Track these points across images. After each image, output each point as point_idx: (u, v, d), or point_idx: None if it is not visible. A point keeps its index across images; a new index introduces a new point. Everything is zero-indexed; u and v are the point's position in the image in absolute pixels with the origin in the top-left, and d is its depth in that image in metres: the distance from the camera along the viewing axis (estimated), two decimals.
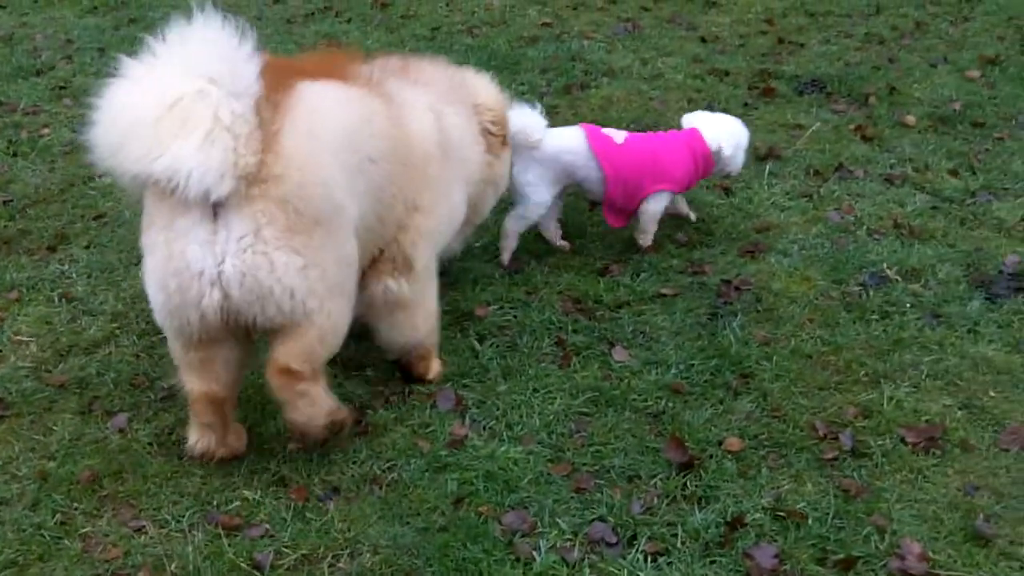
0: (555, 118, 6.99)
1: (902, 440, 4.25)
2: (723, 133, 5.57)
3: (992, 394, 4.53)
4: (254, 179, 3.70)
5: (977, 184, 6.17)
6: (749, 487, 4.03)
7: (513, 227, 5.54)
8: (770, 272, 5.38)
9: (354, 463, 4.17)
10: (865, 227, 5.75)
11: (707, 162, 5.56)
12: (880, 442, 4.25)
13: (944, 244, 5.59)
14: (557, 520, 3.87)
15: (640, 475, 4.10)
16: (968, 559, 3.71)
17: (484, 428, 4.36)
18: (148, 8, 9.36)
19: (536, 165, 5.42)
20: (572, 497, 3.98)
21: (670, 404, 4.48)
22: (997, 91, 7.40)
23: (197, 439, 4.15)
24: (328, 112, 4.05)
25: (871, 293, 5.19)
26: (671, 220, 5.83)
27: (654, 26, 8.83)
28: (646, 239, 5.62)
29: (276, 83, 3.88)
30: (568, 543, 3.78)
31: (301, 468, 4.14)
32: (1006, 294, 5.15)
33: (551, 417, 4.41)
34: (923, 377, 4.62)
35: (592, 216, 5.88)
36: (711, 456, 4.18)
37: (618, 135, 5.55)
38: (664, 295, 5.22)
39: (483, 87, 5.13)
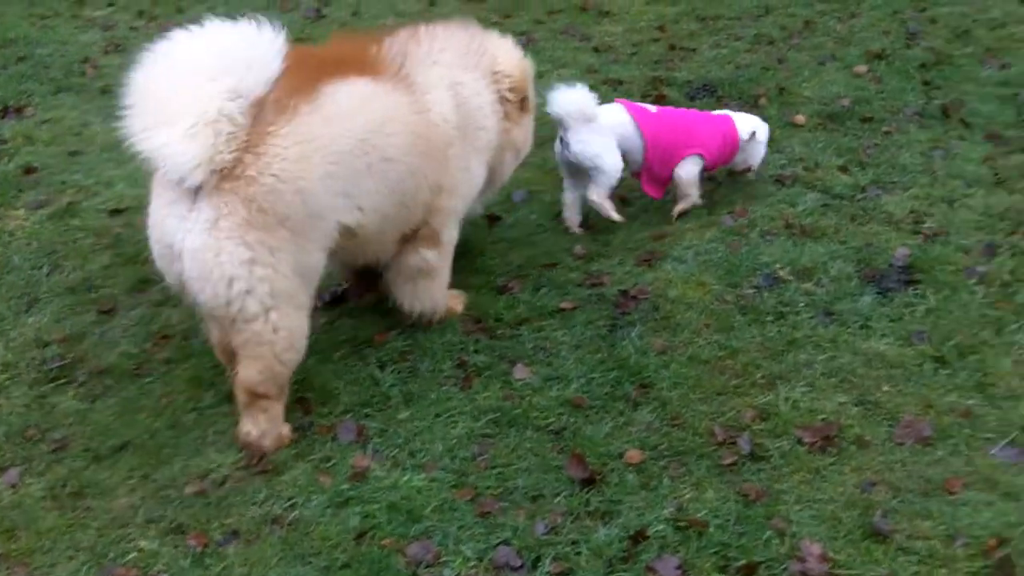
0: None
1: (799, 441, 4.29)
2: (756, 122, 6.12)
3: (885, 388, 4.59)
4: (228, 174, 4.02)
5: (867, 179, 6.26)
6: (651, 499, 4.04)
7: (599, 197, 5.82)
8: (666, 279, 5.41)
9: (254, 504, 4.12)
10: (758, 229, 5.80)
11: (732, 147, 6.05)
12: (778, 444, 4.29)
13: (835, 241, 5.65)
14: (461, 547, 3.85)
15: (544, 494, 4.10)
16: (867, 556, 3.76)
17: (387, 458, 4.33)
18: (36, 45, 9.20)
19: (597, 137, 5.78)
20: (476, 522, 3.97)
21: (571, 420, 4.48)
22: (884, 85, 7.51)
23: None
24: (341, 119, 4.33)
25: (765, 295, 5.24)
26: (568, 235, 5.87)
27: (548, 38, 8.85)
28: (687, 202, 6.04)
29: (298, 86, 4.23)
30: (473, 570, 3.77)
31: (199, 513, 4.09)
32: (897, 287, 5.22)
33: (454, 441, 4.39)
34: (818, 376, 4.68)
35: (491, 233, 5.88)
36: (613, 470, 4.19)
37: (651, 107, 6.05)
38: (563, 309, 5.23)
39: (503, 53, 5.25)
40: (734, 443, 4.29)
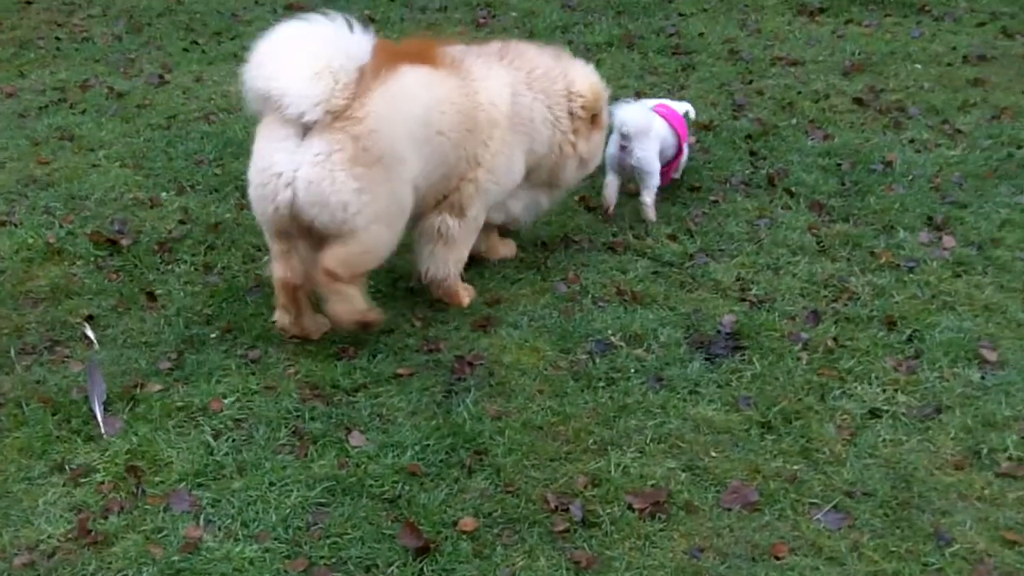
0: None
1: (630, 507, 4.38)
2: (686, 106, 7.38)
3: (713, 454, 4.72)
4: (340, 115, 5.01)
5: (695, 247, 6.45)
6: (484, 567, 4.08)
7: (651, 199, 6.83)
8: (501, 345, 5.50)
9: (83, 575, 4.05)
10: (590, 295, 5.94)
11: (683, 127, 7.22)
12: (609, 510, 4.37)
13: (665, 307, 5.82)
14: None
15: (377, 564, 4.11)
16: None
17: (219, 528, 4.29)
18: None
19: (653, 146, 6.80)
20: None
21: (407, 487, 4.50)
22: (712, 155, 7.76)
23: (278, 317, 5.54)
24: (412, 92, 5.33)
25: (597, 360, 5.35)
26: (406, 298, 5.90)
27: None
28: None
29: (386, 61, 5.26)
30: None
31: None
32: (724, 353, 5.39)
33: (288, 511, 4.37)
34: (648, 441, 4.79)
35: None
36: (447, 538, 4.21)
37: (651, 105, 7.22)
38: (400, 375, 5.27)
39: (581, 77, 6.15)
40: (566, 510, 4.36)
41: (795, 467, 4.65)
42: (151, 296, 5.95)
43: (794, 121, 8.38)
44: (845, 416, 4.97)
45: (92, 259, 6.35)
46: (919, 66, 9.63)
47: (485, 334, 5.61)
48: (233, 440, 4.81)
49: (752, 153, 7.80)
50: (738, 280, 6.09)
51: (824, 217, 6.82)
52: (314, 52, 5.04)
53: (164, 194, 7.17)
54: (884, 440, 4.81)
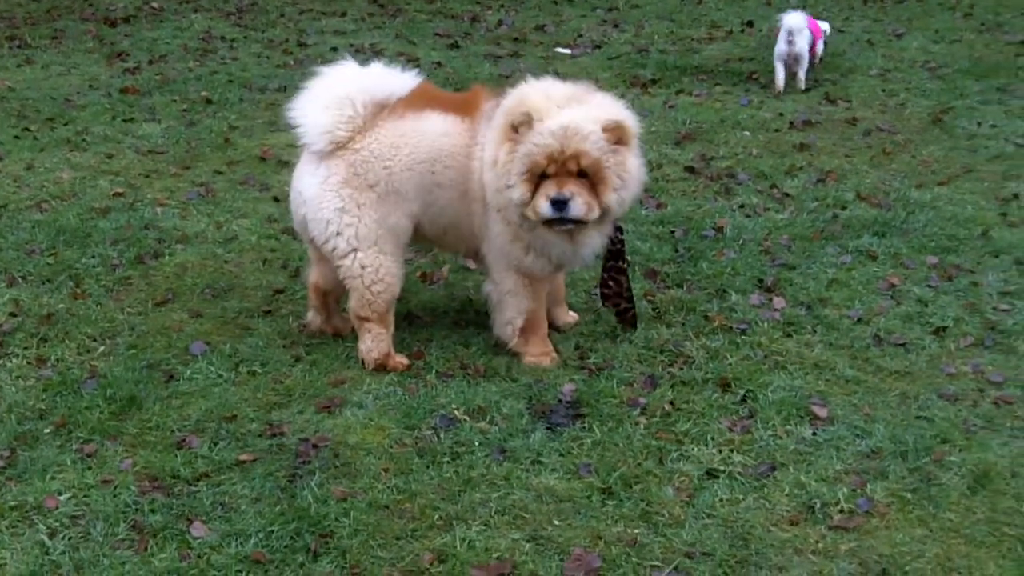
0: (129, 288, 6.91)
1: None
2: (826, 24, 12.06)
3: (556, 523, 4.76)
4: (342, 146, 5.72)
5: None
6: None
7: (804, 75, 11.25)
8: (346, 425, 5.48)
9: None
10: (434, 371, 5.97)
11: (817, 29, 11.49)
12: None
13: (507, 379, 5.87)
14: None
15: None
16: None
17: None
18: None
19: (806, 40, 11.05)
20: None
21: None
22: None
23: (311, 318, 6.36)
24: (419, 137, 5.78)
25: (442, 436, 5.37)
26: (247, 382, 5.84)
27: (228, 189, 8.84)
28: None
29: (414, 104, 5.84)
30: None
31: None
32: (565, 422, 5.46)
33: None
34: (492, 514, 4.81)
35: (167, 387, 5.80)
36: None
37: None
38: (243, 461, 5.20)
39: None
40: None
41: (636, 531, 4.71)
42: None
43: None
44: (683, 478, 5.07)
45: None
46: (747, 133, 9.98)
47: (330, 415, 5.58)
48: (69, 538, 4.68)
49: None
50: (577, 349, 6.19)
51: (659, 284, 6.99)
52: (327, 88, 5.76)
53: None
54: (721, 500, 4.92)
